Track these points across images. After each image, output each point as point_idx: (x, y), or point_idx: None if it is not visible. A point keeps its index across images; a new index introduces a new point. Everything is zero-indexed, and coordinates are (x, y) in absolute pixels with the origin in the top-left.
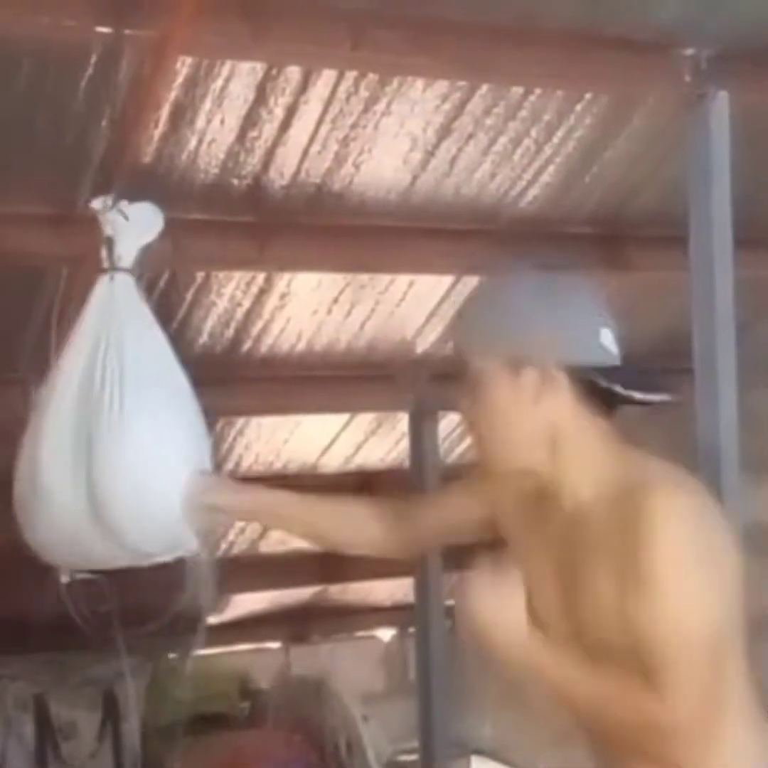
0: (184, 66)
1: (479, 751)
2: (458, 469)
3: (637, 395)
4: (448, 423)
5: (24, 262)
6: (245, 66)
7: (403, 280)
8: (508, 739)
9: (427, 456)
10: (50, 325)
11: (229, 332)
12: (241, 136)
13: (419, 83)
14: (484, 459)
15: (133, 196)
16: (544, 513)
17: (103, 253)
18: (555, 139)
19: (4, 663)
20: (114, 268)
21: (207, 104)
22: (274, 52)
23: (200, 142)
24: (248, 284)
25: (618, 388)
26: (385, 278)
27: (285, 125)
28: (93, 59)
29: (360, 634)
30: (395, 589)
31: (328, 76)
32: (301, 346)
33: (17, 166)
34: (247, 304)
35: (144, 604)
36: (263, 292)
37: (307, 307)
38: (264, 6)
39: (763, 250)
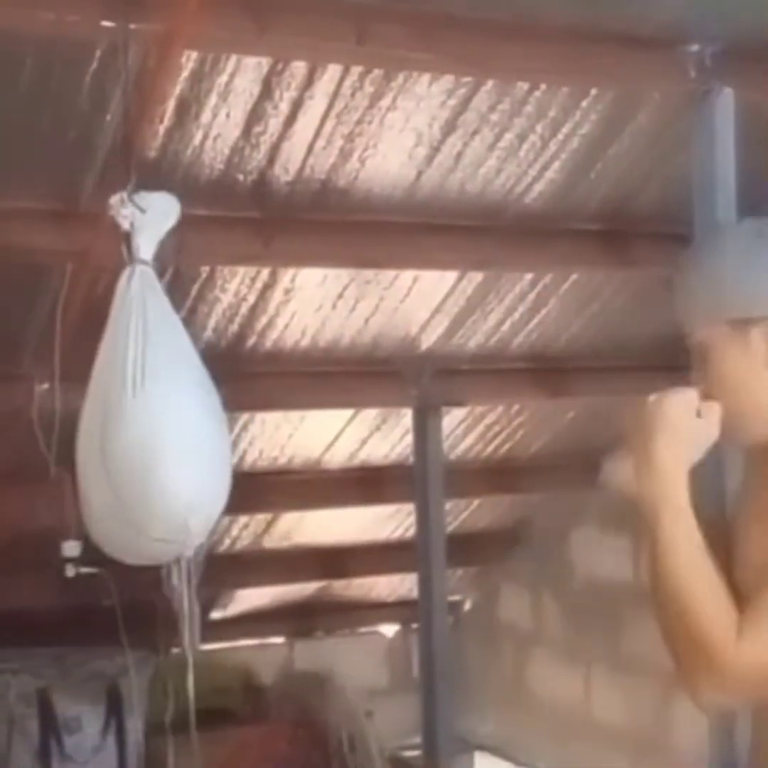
0: (189, 61)
1: (482, 747)
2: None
3: None
4: (453, 419)
5: (28, 258)
6: (250, 61)
7: (407, 275)
8: (510, 735)
9: (432, 452)
10: (54, 321)
11: (234, 327)
12: (246, 131)
13: (424, 79)
14: (727, 435)
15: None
16: None
17: (123, 247)
18: (560, 135)
19: (8, 657)
20: (134, 261)
21: (212, 99)
22: (279, 46)
23: (205, 137)
24: (253, 279)
25: None
26: (389, 274)
27: (290, 120)
28: (98, 54)
29: (363, 629)
30: (399, 585)
31: (333, 71)
32: (305, 341)
33: (22, 161)
34: (251, 299)
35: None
36: (268, 287)
37: (311, 303)
38: (269, 0)
39: None
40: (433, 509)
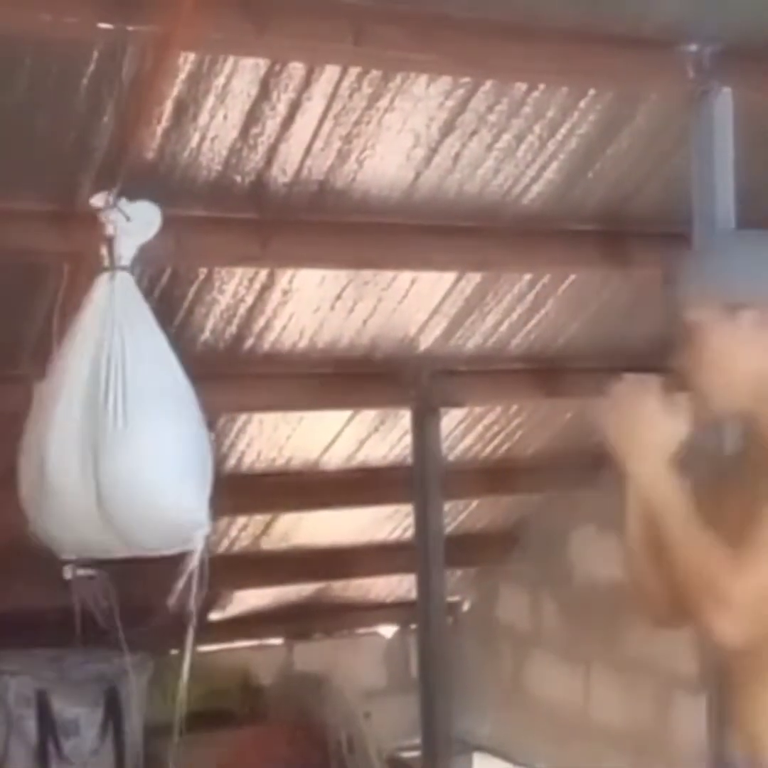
0: (186, 62)
1: (481, 748)
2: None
3: None
4: (451, 419)
5: (26, 259)
6: (248, 62)
7: (405, 276)
8: (509, 736)
9: (430, 452)
10: (52, 322)
11: (232, 329)
12: (244, 133)
13: (422, 79)
14: (707, 409)
15: (136, 193)
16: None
17: (104, 251)
18: (558, 136)
19: (6, 659)
20: (114, 266)
21: (210, 100)
22: (276, 48)
23: (203, 138)
24: (251, 281)
25: None
26: (387, 275)
27: (288, 121)
28: (95, 56)
29: (362, 630)
30: (397, 586)
31: (330, 72)
32: (303, 342)
33: (19, 162)
34: (249, 300)
35: (146, 600)
36: (266, 288)
37: (309, 304)
38: (267, 2)
39: None
40: (432, 510)
